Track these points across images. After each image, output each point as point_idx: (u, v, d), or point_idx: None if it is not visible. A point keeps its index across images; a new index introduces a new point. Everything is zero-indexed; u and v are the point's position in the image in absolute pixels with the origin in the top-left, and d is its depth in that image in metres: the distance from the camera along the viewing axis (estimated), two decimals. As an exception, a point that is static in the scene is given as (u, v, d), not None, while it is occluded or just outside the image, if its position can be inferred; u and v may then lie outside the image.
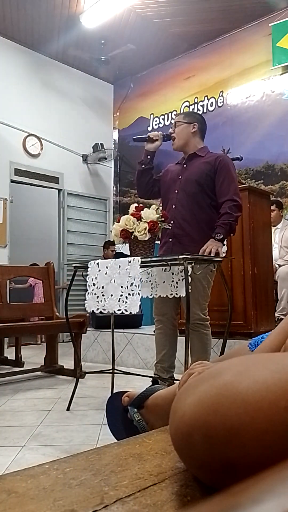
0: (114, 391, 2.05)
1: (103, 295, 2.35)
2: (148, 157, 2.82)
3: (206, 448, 0.49)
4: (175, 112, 6.35)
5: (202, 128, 2.81)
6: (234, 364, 0.53)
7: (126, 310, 2.25)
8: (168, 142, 2.82)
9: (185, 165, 2.76)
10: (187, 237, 2.63)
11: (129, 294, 2.24)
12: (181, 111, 6.30)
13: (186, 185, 2.68)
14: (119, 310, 2.28)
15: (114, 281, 2.32)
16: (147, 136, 2.81)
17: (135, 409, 1.14)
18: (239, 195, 2.63)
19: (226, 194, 2.58)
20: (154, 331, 2.89)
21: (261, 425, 0.46)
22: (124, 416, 1.17)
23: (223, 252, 2.65)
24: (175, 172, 2.79)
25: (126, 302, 2.25)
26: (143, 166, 2.84)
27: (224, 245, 2.56)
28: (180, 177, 2.73)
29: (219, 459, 0.48)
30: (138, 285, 2.23)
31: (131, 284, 2.24)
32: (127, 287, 2.25)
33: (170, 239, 2.68)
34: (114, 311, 2.32)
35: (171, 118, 6.42)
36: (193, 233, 2.62)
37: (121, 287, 2.28)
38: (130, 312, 2.25)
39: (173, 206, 2.68)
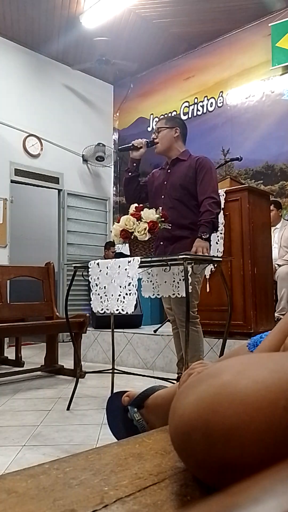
0: (114, 391, 2.05)
1: (105, 295, 2.38)
2: (134, 164, 2.88)
3: (205, 447, 0.49)
4: (174, 113, 6.35)
5: (184, 132, 2.90)
6: (233, 364, 0.53)
7: (123, 310, 2.26)
8: (153, 148, 2.88)
9: (169, 170, 2.84)
10: (178, 239, 2.70)
11: (126, 294, 2.26)
12: (181, 112, 6.30)
13: (171, 190, 2.77)
14: (117, 310, 2.30)
15: (114, 281, 2.33)
16: (131, 144, 2.86)
17: (135, 409, 1.14)
18: (217, 193, 2.74)
19: (204, 193, 2.67)
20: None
21: (260, 425, 0.46)
22: (124, 416, 1.17)
23: (220, 252, 2.69)
24: (160, 178, 2.87)
25: (123, 302, 2.26)
26: (130, 173, 2.90)
27: (211, 244, 2.63)
28: (165, 182, 2.82)
29: (218, 458, 0.48)
30: (135, 284, 2.24)
31: (129, 284, 2.26)
32: (125, 286, 2.27)
33: (162, 242, 2.75)
34: (114, 311, 2.34)
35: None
36: (182, 234, 2.70)
37: (120, 287, 2.30)
38: (127, 312, 2.27)
39: (165, 212, 2.74)
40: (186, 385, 0.58)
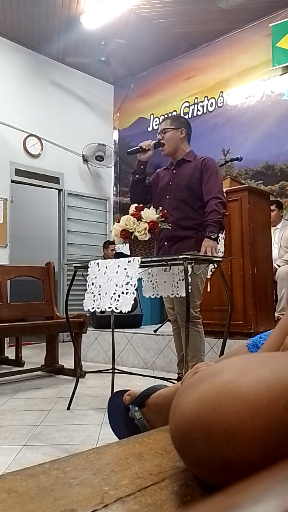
0: (114, 391, 2.05)
1: (99, 294, 2.36)
2: (142, 167, 2.87)
3: (205, 446, 0.49)
4: (175, 113, 6.35)
5: (189, 132, 2.88)
6: (234, 363, 0.53)
7: (116, 308, 2.25)
8: (159, 149, 2.87)
9: (174, 171, 2.83)
10: (182, 239, 2.70)
11: (122, 293, 2.25)
12: (181, 112, 6.30)
13: (177, 191, 2.75)
14: (109, 308, 2.28)
15: (111, 280, 2.33)
16: (139, 147, 2.84)
17: (137, 408, 1.14)
18: (223, 194, 2.73)
19: (210, 193, 2.66)
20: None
21: (260, 424, 0.46)
22: (126, 415, 1.17)
23: (221, 252, 2.70)
24: (165, 178, 2.86)
25: (118, 300, 2.25)
26: (137, 176, 2.89)
27: (218, 243, 2.64)
28: (170, 183, 2.81)
29: (218, 457, 0.48)
30: (134, 284, 2.23)
31: (127, 283, 2.25)
32: (122, 285, 2.26)
33: (166, 243, 2.74)
34: (106, 309, 2.33)
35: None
36: (186, 234, 2.69)
37: (116, 285, 2.29)
38: (121, 312, 2.25)
39: (165, 211, 2.73)
40: (186, 384, 0.58)
